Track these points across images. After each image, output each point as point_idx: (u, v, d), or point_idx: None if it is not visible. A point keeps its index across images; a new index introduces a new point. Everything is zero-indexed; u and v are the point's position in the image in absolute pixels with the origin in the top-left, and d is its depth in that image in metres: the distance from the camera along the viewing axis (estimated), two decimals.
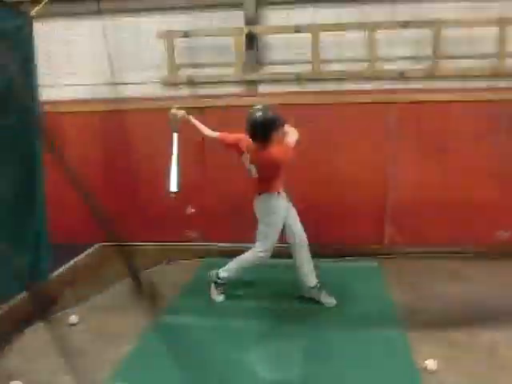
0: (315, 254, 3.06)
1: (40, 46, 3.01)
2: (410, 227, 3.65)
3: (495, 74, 3.66)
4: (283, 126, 2.85)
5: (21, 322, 2.66)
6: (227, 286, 3.17)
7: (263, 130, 2.75)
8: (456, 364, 1.93)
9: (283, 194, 3.00)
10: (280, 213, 2.94)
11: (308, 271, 3.03)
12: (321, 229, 3.29)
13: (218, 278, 3.19)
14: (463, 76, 3.65)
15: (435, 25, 3.64)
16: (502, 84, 3.66)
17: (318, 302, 2.99)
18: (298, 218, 3.06)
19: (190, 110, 3.18)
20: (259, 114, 2.76)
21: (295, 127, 2.87)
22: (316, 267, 3.04)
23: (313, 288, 3.02)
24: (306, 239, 3.03)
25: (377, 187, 3.68)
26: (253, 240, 3.02)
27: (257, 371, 2.07)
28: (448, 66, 3.72)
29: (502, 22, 3.58)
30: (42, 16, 2.98)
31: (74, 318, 2.93)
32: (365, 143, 3.70)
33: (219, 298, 3.20)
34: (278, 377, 1.99)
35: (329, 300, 2.98)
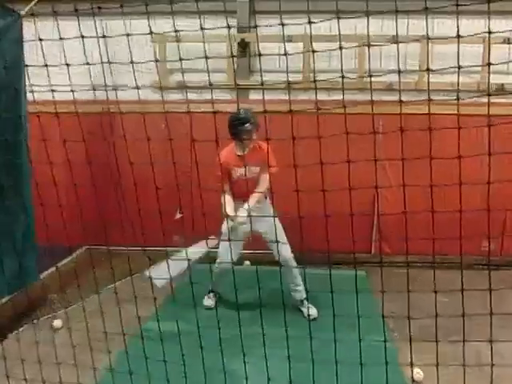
0: (302, 262, 3.08)
1: (31, 46, 2.96)
2: (398, 237, 3.71)
3: (480, 89, 3.78)
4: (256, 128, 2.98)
5: (4, 325, 2.60)
6: (218, 293, 3.20)
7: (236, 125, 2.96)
8: (443, 374, 1.95)
9: (237, 205, 2.99)
10: (227, 221, 2.94)
11: (292, 286, 3.15)
12: (308, 237, 3.32)
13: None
14: (449, 90, 3.76)
15: (422, 40, 3.75)
16: (486, 99, 3.78)
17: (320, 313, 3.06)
18: (274, 235, 2.85)
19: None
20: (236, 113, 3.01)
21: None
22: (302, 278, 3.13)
23: (296, 300, 3.19)
24: (285, 257, 3.00)
25: (365, 197, 3.73)
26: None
27: (244, 379, 2.06)
28: (434, 79, 3.82)
29: (487, 40, 3.71)
30: (33, 16, 2.93)
31: (57, 323, 2.88)
32: (353, 153, 3.75)
33: (208, 303, 3.20)
34: None
35: (310, 312, 3.08)
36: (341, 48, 1.51)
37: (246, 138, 2.95)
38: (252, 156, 2.97)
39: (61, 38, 1.83)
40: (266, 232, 3.00)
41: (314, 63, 1.71)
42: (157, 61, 3.86)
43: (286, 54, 1.57)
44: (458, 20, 3.81)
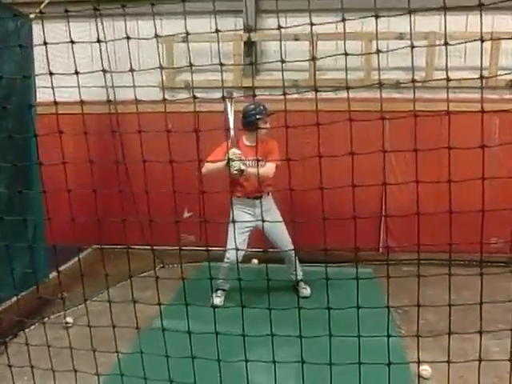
0: (309, 259, 3.12)
1: (38, 48, 3.00)
2: (405, 234, 3.70)
3: (488, 86, 3.74)
4: (263, 118, 3.18)
5: (16, 323, 2.64)
6: (226, 290, 3.23)
7: (249, 115, 3.21)
8: (450, 370, 1.95)
9: (242, 202, 3.16)
10: (231, 218, 3.06)
11: (290, 271, 3.45)
12: (315, 234, 3.33)
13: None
14: (456, 87, 3.72)
15: (429, 37, 3.73)
16: (495, 95, 3.75)
17: (313, 308, 3.07)
18: (276, 229, 3.18)
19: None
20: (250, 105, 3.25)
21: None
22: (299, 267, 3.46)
23: (293, 281, 3.49)
24: (285, 247, 3.27)
25: (372, 195, 3.72)
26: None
27: (251, 377, 2.07)
28: (442, 76, 3.79)
29: (494, 37, 3.67)
30: (40, 18, 2.97)
31: (68, 320, 2.93)
32: (360, 151, 3.75)
33: (216, 301, 3.22)
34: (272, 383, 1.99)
35: (304, 291, 3.44)
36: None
37: (258, 128, 3.10)
38: (259, 148, 3.06)
39: (71, 41, 1.86)
40: (269, 227, 3.06)
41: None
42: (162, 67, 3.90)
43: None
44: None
